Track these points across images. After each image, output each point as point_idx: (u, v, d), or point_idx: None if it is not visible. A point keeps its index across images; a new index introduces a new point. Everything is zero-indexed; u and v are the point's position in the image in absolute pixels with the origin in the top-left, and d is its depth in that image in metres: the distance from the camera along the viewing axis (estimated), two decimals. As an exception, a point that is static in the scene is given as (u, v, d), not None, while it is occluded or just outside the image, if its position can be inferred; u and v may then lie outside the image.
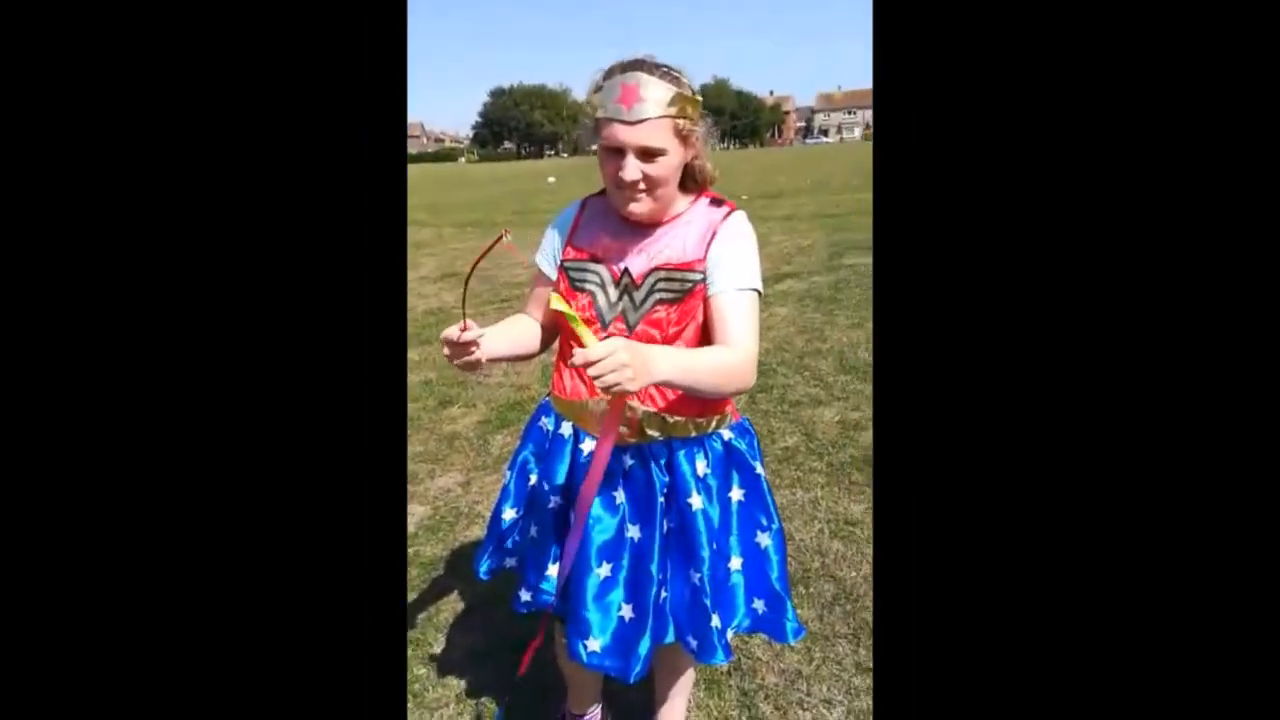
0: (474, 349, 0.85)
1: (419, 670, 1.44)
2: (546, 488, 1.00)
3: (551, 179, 20.73)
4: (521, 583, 1.04)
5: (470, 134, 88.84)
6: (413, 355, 3.65)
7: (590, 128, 0.89)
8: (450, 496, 2.16)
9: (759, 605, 0.99)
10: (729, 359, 0.86)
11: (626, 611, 0.94)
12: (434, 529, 1.98)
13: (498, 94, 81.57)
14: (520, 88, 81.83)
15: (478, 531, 1.96)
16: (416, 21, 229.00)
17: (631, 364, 0.72)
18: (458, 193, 17.17)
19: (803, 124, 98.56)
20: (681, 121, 0.86)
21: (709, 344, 0.92)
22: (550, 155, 79.30)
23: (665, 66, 0.88)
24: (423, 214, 11.76)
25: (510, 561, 1.08)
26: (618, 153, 0.86)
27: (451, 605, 1.65)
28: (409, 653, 1.48)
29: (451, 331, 0.84)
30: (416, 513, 2.08)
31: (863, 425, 2.46)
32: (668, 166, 0.87)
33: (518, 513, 1.06)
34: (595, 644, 0.93)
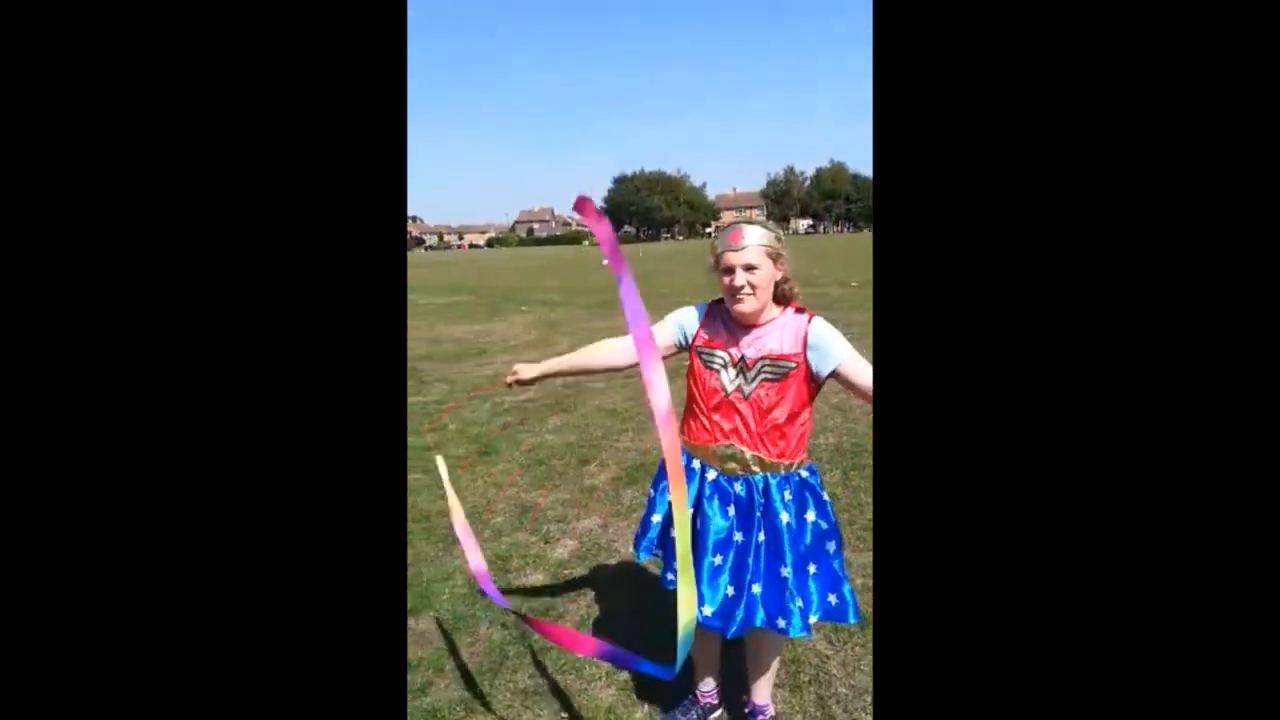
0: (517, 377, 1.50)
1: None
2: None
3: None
4: (665, 568, 1.54)
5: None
6: (556, 420, 4.37)
7: (712, 263, 1.40)
8: (592, 535, 2.74)
9: (832, 599, 1.41)
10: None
11: (730, 590, 1.41)
12: (583, 558, 2.56)
13: (620, 180, 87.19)
14: (641, 174, 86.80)
15: (614, 560, 2.51)
16: (545, 114, 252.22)
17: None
18: (589, 275, 18.74)
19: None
20: (769, 248, 1.36)
21: (799, 415, 1.41)
22: (667, 238, 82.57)
23: (760, 221, 1.40)
24: (557, 294, 13.10)
25: (658, 551, 1.56)
26: (730, 271, 1.35)
27: (591, 608, 2.19)
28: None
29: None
30: (569, 545, 2.67)
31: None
32: (762, 277, 1.35)
33: (661, 518, 1.55)
34: (707, 610, 1.39)
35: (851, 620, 1.43)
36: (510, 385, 1.55)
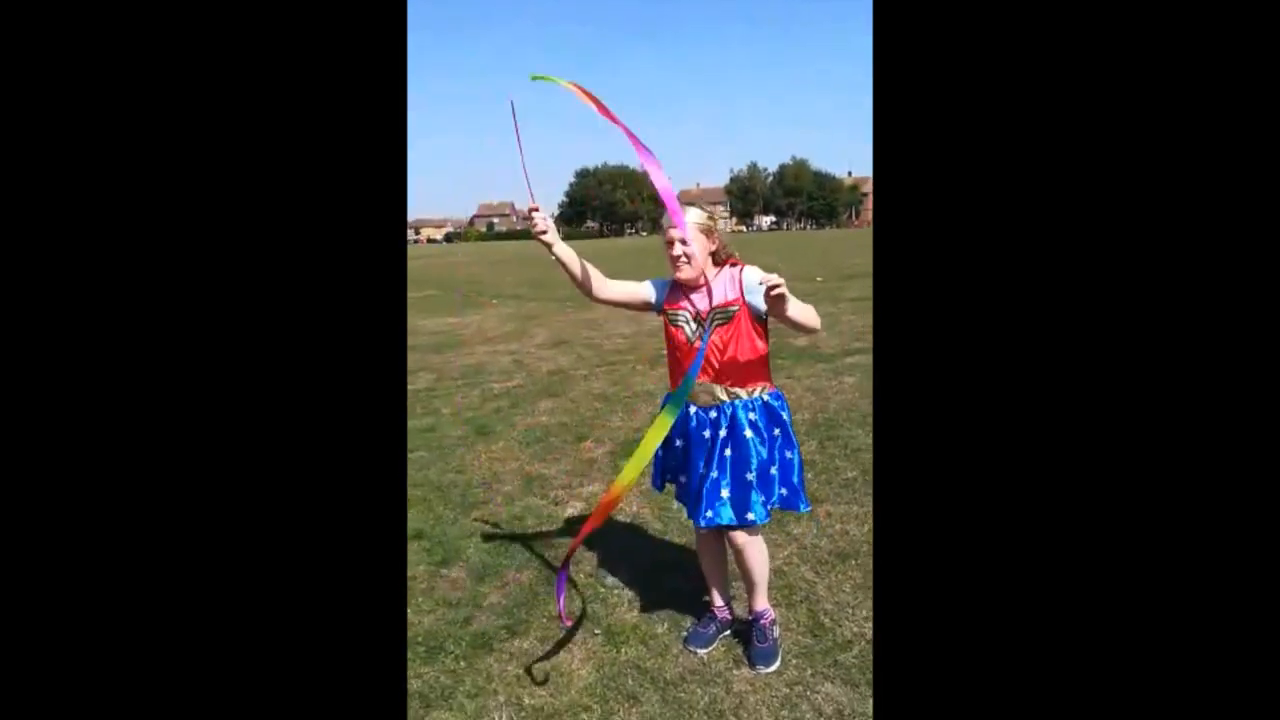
0: (543, 229, 1.74)
1: (605, 584, 2.24)
2: (674, 435, 1.83)
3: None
4: (675, 485, 1.91)
5: (556, 212, 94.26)
6: (546, 404, 4.62)
7: (663, 237, 1.75)
8: (597, 498, 3.02)
9: (784, 491, 1.77)
10: (811, 311, 1.68)
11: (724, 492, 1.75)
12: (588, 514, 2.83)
13: (582, 174, 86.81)
14: (604, 169, 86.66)
15: (620, 517, 2.80)
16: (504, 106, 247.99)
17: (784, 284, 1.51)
18: (554, 270, 18.84)
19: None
20: (702, 225, 1.70)
21: (752, 349, 1.72)
22: (630, 233, 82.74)
23: (698, 205, 1.74)
24: (526, 289, 13.24)
25: (668, 476, 1.93)
26: (670, 243, 1.70)
27: (603, 556, 2.47)
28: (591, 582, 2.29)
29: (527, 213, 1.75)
30: (576, 506, 2.94)
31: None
32: (695, 250, 1.67)
33: (664, 450, 1.90)
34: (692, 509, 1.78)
35: (803, 509, 1.81)
36: (534, 225, 1.79)
